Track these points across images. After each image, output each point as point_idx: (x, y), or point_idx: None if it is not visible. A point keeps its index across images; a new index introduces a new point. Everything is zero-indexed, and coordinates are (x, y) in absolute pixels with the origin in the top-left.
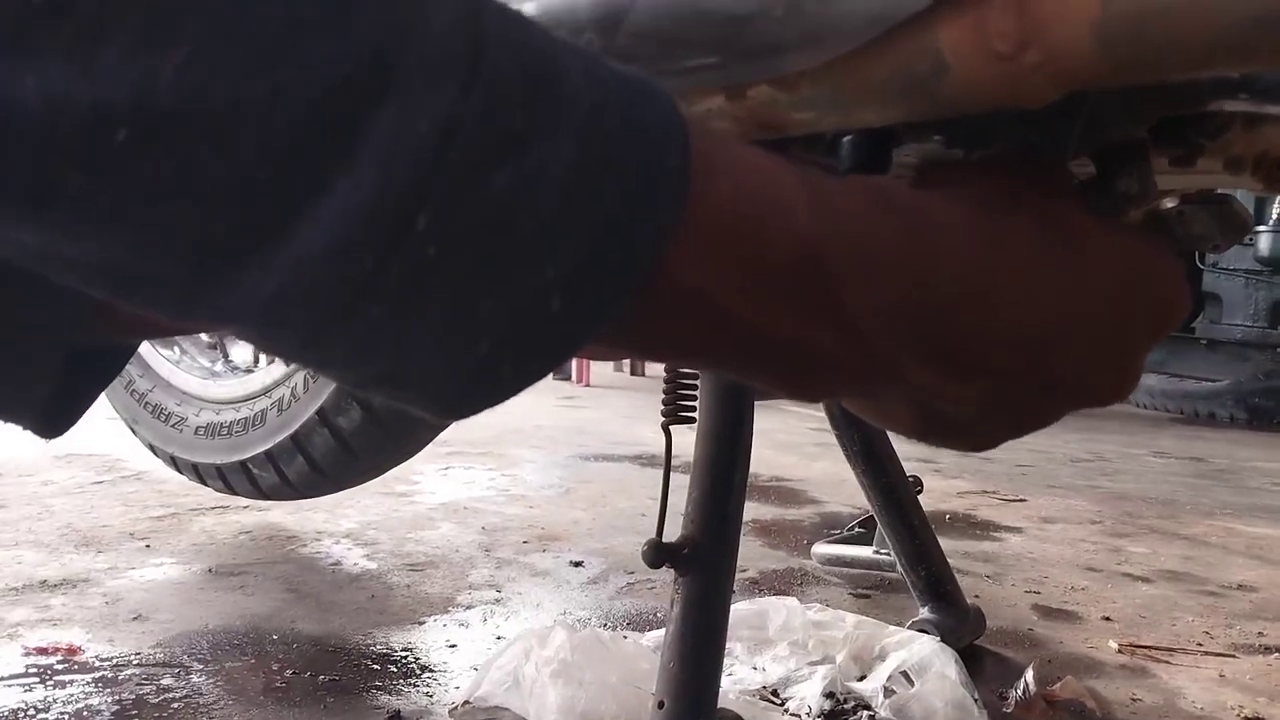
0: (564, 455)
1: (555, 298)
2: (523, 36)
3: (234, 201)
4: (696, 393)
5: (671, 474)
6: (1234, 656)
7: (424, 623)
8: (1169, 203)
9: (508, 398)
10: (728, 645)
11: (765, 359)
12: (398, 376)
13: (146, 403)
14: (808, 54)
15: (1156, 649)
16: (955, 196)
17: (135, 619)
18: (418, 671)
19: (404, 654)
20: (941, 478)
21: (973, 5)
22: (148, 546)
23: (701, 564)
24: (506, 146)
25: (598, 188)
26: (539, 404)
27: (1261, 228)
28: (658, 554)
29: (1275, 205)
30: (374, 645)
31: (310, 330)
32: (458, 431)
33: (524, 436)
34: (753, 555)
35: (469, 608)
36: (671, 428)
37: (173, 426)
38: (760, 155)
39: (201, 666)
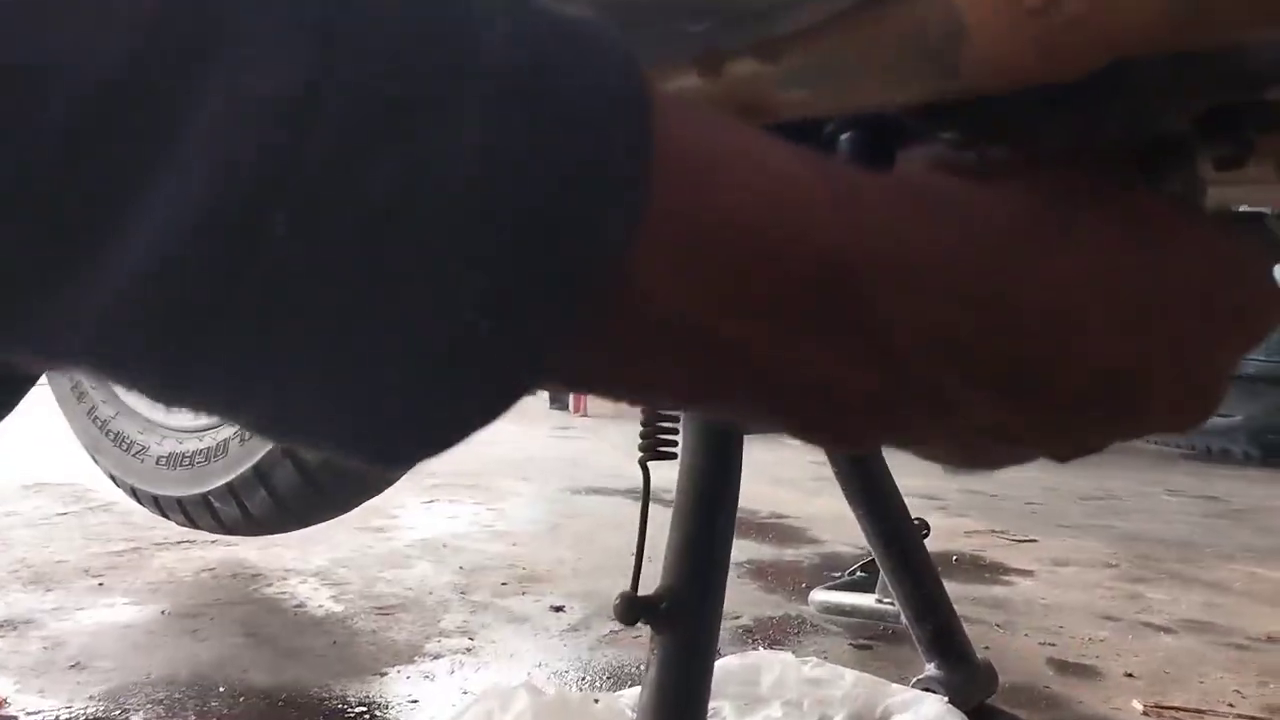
0: (554, 489)
1: (482, 320)
2: None
3: (21, 216)
4: (679, 425)
5: (656, 514)
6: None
7: (386, 674)
8: None
9: (445, 449)
10: (716, 704)
11: (774, 398)
12: (294, 424)
13: (109, 430)
14: (796, 13)
15: (1185, 710)
16: (1015, 190)
17: (73, 667)
18: None
19: (360, 710)
20: (947, 515)
21: None
22: (101, 585)
23: (682, 619)
24: (389, 126)
25: (519, 176)
26: (532, 434)
27: None
28: (632, 609)
29: None
30: (329, 699)
31: (155, 372)
32: (444, 463)
33: (514, 468)
34: (747, 600)
35: (437, 657)
36: (652, 464)
37: (134, 456)
38: (765, 138)
39: None
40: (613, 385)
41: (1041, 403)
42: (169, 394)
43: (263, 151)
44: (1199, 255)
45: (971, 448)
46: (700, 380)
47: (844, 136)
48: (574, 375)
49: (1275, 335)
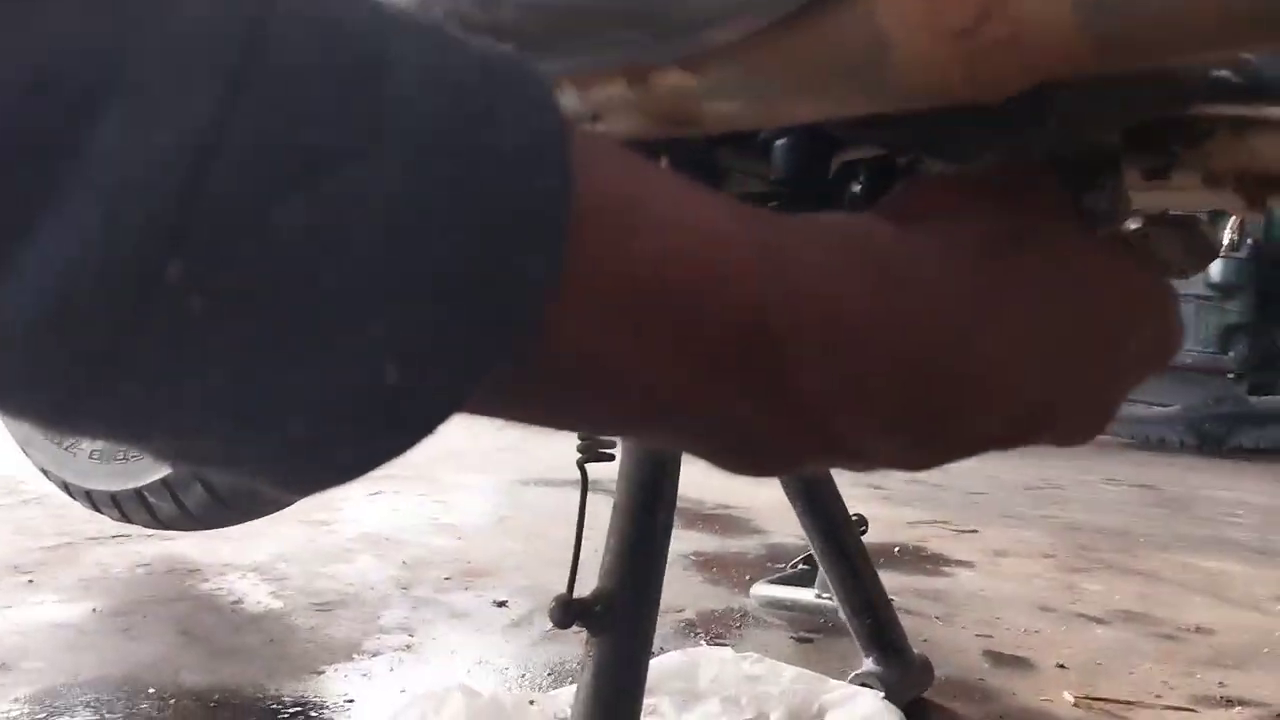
0: (504, 479)
1: (389, 368)
2: (332, 11)
3: None
4: None
5: (602, 507)
6: (1195, 711)
7: (323, 672)
8: (1133, 224)
9: (354, 479)
10: (654, 701)
11: (692, 436)
12: (196, 458)
13: None
14: (719, 27)
15: (1114, 702)
16: (944, 241)
17: None
18: None
19: (295, 710)
20: (891, 505)
21: None
22: (31, 581)
23: (617, 623)
24: (298, 170)
25: (436, 224)
26: (481, 422)
27: None
28: (567, 612)
29: (1227, 230)
30: (263, 699)
31: (48, 412)
32: None
33: (463, 458)
34: (691, 592)
35: (375, 655)
36: (591, 465)
37: (66, 449)
38: (688, 187)
39: None
40: (531, 418)
41: (952, 444)
42: (58, 430)
43: (156, 202)
44: (1118, 301)
45: (869, 469)
46: (619, 418)
47: (778, 143)
48: (491, 410)
49: (1212, 329)
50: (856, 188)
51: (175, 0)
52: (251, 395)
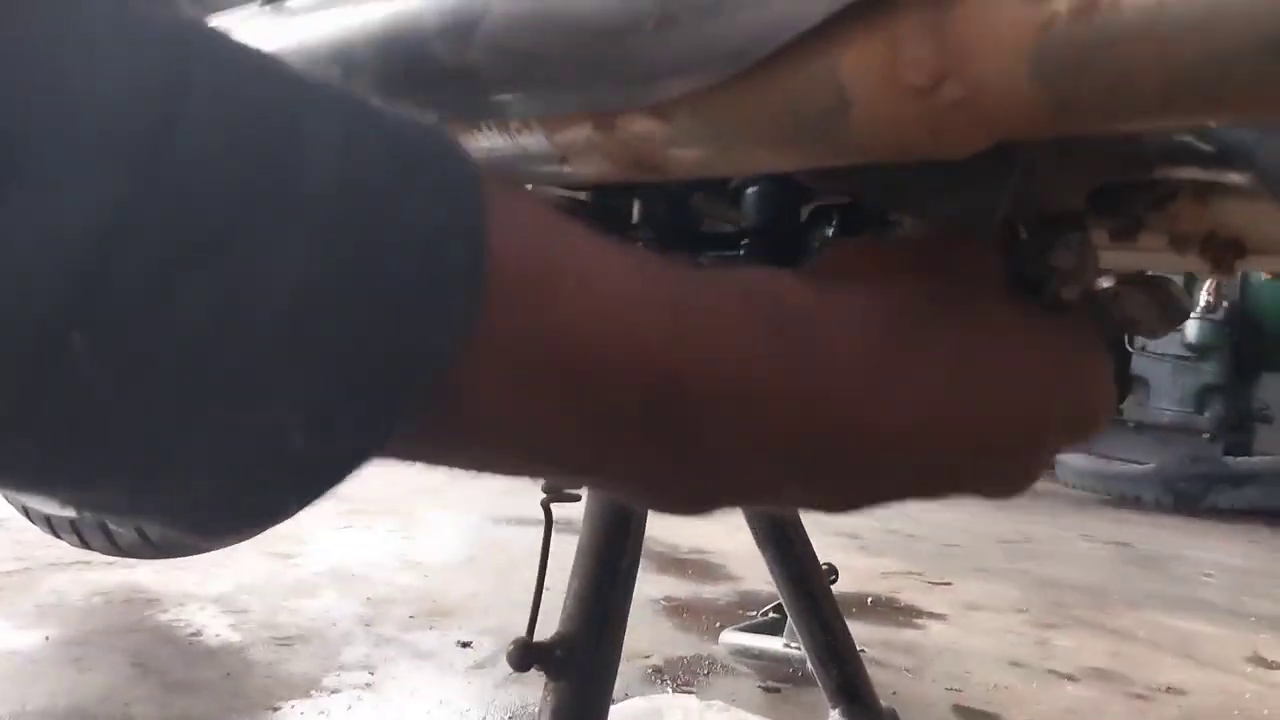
0: (476, 517)
1: (293, 434)
2: (247, 90)
3: None
4: None
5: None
6: None
7: (279, 709)
8: (1104, 282)
9: (262, 530)
10: None
11: (605, 484)
12: (100, 510)
13: None
14: (683, 78)
15: None
16: (859, 308)
17: None
18: None
19: None
20: (866, 555)
21: (881, 24)
22: None
23: (577, 667)
24: (204, 250)
25: (343, 299)
26: None
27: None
28: (526, 655)
29: (1203, 291)
30: None
31: None
32: (362, 487)
33: (436, 494)
34: (661, 638)
35: (334, 692)
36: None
37: None
38: (608, 251)
39: None
40: (441, 465)
41: (862, 495)
42: None
43: (62, 274)
44: (1040, 371)
45: (790, 508)
46: (529, 469)
47: (748, 190)
48: (405, 459)
49: (1188, 389)
50: (829, 233)
51: (84, 77)
52: (154, 458)
